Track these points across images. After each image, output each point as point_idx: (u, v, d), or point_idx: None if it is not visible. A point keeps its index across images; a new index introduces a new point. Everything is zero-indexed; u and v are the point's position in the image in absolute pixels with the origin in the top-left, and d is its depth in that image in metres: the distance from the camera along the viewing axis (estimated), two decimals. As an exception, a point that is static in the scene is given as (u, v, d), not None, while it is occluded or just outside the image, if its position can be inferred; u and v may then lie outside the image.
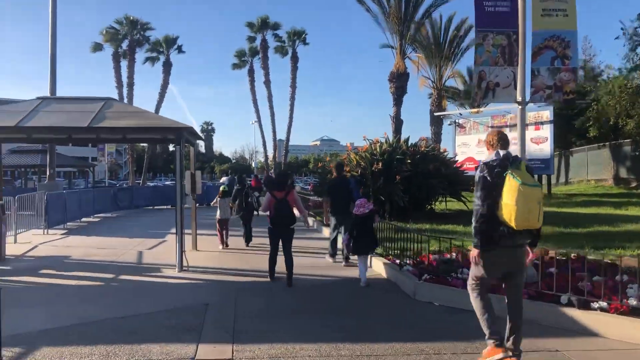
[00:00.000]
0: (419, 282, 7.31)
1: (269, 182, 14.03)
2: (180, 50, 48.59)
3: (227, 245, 12.19)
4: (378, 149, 15.49)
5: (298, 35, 50.81)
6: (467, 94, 42.78)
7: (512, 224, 4.25)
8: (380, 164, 14.78)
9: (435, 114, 29.83)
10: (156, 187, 30.56)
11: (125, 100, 41.36)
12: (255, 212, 13.35)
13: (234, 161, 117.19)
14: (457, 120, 27.22)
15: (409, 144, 16.20)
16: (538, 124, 24.05)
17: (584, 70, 41.10)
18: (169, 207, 27.60)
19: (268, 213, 8.16)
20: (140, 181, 44.72)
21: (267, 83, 49.69)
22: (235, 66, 52.27)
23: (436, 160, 15.80)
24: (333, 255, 9.87)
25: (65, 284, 8.21)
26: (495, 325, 4.52)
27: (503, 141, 4.64)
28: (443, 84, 35.10)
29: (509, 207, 4.24)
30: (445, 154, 16.88)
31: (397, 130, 30.27)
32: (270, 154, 55.22)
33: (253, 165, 79.95)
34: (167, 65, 47.21)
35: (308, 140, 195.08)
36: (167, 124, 9.30)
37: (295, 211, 8.40)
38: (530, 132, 24.22)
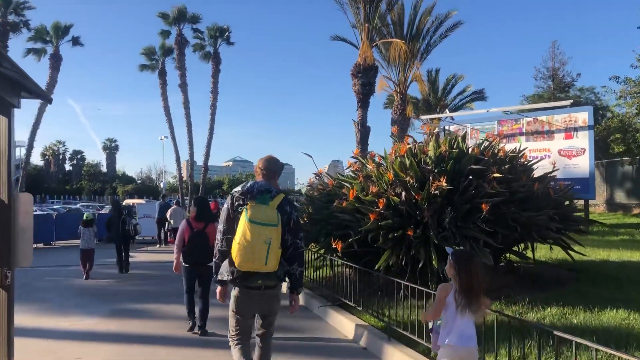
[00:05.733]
0: None
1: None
2: (76, 42, 39.13)
3: (88, 277, 11.16)
4: (432, 152, 8.01)
5: (221, 33, 42.66)
6: (427, 103, 36.56)
7: (235, 262, 3.94)
8: (443, 179, 7.34)
9: (422, 117, 22.86)
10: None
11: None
12: (132, 240, 13.18)
13: (139, 182, 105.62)
14: (447, 128, 20.48)
15: (480, 145, 8.89)
16: (570, 130, 17.66)
17: (553, 80, 36.25)
18: (37, 245, 18.65)
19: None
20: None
21: (183, 86, 40.78)
22: (144, 67, 42.88)
23: (528, 173, 8.64)
24: None
25: None
26: None
27: (267, 170, 4.31)
28: (407, 87, 28.38)
29: (234, 244, 3.96)
30: (546, 156, 9.68)
31: (363, 140, 23.11)
32: (184, 173, 46.28)
33: (162, 186, 70.01)
34: (56, 59, 37.55)
35: (220, 160, 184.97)
36: None
37: None
38: (559, 142, 17.81)
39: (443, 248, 7.05)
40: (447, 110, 29.49)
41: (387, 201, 7.45)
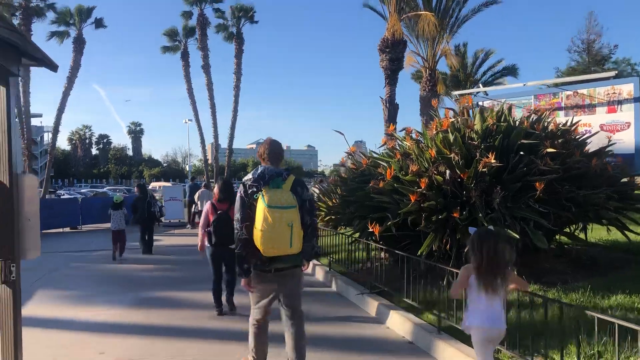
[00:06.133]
0: None
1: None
2: (99, 24, 38.57)
3: (120, 256, 11.59)
4: (478, 126, 7.34)
5: (244, 12, 41.97)
6: (455, 79, 35.49)
7: (260, 249, 3.96)
8: (491, 155, 6.69)
9: (454, 92, 22.00)
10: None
11: (21, 90, 31.49)
12: (158, 223, 13.90)
13: (165, 165, 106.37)
14: (480, 103, 19.61)
15: (528, 118, 8.18)
16: (613, 103, 16.68)
17: (588, 52, 34.77)
18: (63, 230, 18.52)
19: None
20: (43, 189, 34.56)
21: (206, 67, 40.43)
22: (166, 49, 42.55)
23: (582, 148, 7.92)
24: None
25: None
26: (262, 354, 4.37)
27: (273, 154, 4.30)
28: (436, 62, 27.36)
29: (256, 231, 3.96)
30: (587, 131, 8.94)
31: (391, 117, 22.36)
32: (209, 156, 46.04)
33: (187, 169, 70.11)
34: (79, 42, 37.23)
35: (243, 143, 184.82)
36: None
37: None
38: (601, 116, 16.85)
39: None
40: (480, 84, 28.41)
41: (429, 181, 6.83)
